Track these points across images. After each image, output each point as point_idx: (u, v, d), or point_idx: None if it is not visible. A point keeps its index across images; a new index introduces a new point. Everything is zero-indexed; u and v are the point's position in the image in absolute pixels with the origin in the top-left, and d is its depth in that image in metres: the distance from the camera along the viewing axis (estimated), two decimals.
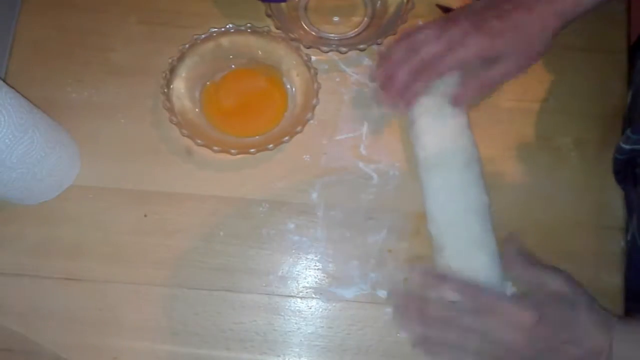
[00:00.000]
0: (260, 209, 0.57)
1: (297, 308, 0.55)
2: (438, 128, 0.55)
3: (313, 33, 0.62)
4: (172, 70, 0.57)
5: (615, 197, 0.57)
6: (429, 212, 0.54)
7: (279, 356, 0.54)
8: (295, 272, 0.56)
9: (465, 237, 0.52)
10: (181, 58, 0.57)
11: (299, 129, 0.55)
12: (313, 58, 0.58)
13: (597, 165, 0.58)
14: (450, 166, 0.54)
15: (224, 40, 0.58)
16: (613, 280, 0.55)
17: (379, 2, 0.62)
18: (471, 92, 0.54)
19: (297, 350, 0.54)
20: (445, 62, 0.52)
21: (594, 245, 0.56)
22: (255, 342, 0.54)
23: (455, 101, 0.54)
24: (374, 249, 0.56)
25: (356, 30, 0.62)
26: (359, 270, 0.56)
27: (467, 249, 0.52)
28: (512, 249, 0.51)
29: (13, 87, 0.49)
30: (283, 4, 0.60)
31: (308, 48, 0.58)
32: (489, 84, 0.54)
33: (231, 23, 0.58)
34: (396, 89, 0.53)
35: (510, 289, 0.52)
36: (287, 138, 0.55)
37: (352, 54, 0.60)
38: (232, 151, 0.55)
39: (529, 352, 0.46)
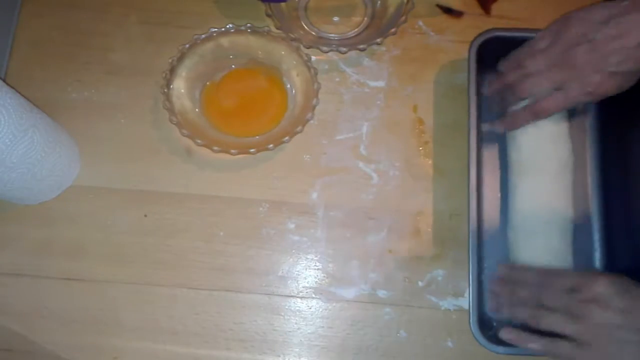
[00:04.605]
0: (260, 209, 0.57)
1: (297, 308, 0.55)
2: (536, 132, 0.53)
3: (313, 33, 0.62)
4: (172, 70, 0.57)
5: None
6: (510, 217, 0.54)
7: (279, 356, 0.54)
8: (295, 272, 0.56)
9: (542, 249, 0.52)
10: (181, 58, 0.57)
11: (299, 129, 0.55)
12: (313, 58, 0.58)
13: None
14: (542, 172, 0.53)
15: (224, 40, 0.58)
16: None
17: (379, 2, 0.62)
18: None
19: (297, 350, 0.54)
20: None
21: None
22: (255, 342, 0.54)
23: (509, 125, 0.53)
24: (374, 249, 0.56)
25: (356, 30, 0.62)
26: (359, 270, 0.56)
27: (540, 261, 0.51)
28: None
29: (13, 87, 0.49)
30: (283, 4, 0.60)
31: (308, 48, 0.58)
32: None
33: (231, 23, 0.58)
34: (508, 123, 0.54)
35: None
36: (287, 138, 0.55)
37: (352, 54, 0.60)
38: (232, 151, 0.55)
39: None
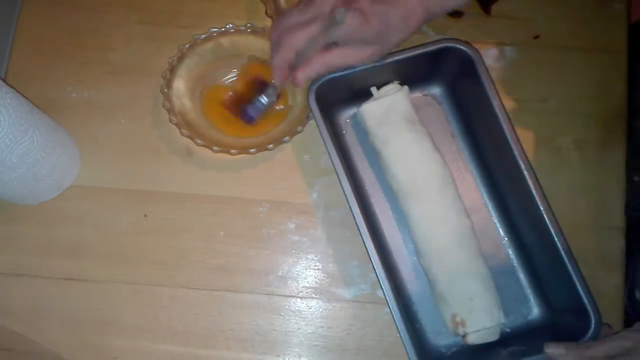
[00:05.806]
0: (260, 209, 0.57)
1: (297, 308, 0.55)
2: (404, 157, 0.53)
3: None
4: (172, 70, 0.57)
5: (615, 197, 0.57)
6: (415, 245, 0.54)
7: (279, 356, 0.54)
8: (295, 272, 0.56)
9: (453, 266, 0.51)
10: (181, 58, 0.57)
11: (299, 129, 0.55)
12: None
13: (597, 165, 0.58)
14: (425, 194, 0.53)
15: (224, 40, 0.58)
16: (613, 280, 0.55)
17: None
18: (312, 71, 0.50)
19: (297, 350, 0.54)
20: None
21: (594, 245, 0.56)
22: (255, 342, 0.54)
23: (296, 80, 0.50)
24: None
25: None
26: (359, 270, 0.56)
27: (457, 278, 0.51)
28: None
29: (13, 87, 0.49)
30: (282, 3, 0.60)
31: None
32: (333, 64, 0.50)
33: (231, 23, 0.58)
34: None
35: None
36: (287, 138, 0.55)
37: None
38: (232, 151, 0.55)
39: None
